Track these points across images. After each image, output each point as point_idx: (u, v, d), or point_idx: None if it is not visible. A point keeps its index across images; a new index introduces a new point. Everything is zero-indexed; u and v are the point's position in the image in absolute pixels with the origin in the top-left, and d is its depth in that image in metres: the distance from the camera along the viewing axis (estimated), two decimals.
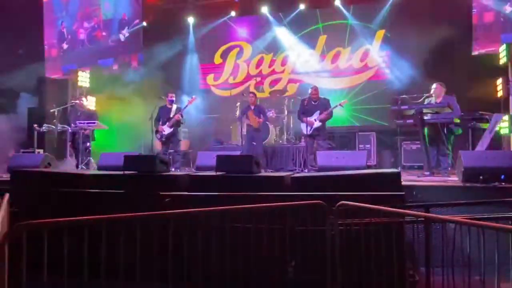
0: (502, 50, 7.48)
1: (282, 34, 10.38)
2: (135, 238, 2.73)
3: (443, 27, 8.67)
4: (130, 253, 2.76)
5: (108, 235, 2.65)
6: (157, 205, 4.05)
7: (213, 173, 4.66)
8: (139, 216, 2.75)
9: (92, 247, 2.63)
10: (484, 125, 6.47)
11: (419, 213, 2.98)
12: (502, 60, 7.46)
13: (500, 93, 7.54)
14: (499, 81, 7.56)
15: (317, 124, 7.19)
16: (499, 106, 7.47)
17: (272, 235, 3.37)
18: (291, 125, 9.22)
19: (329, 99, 7.54)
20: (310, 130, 7.24)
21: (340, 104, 7.29)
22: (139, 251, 2.77)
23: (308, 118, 7.24)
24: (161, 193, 4.09)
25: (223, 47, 10.94)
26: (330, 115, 7.28)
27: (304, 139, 7.62)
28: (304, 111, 7.34)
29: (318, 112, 7.21)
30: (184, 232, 2.95)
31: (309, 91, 7.56)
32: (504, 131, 6.95)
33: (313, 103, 7.38)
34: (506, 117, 6.91)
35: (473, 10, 8.81)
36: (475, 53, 8.65)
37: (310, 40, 10.18)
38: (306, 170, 7.08)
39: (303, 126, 7.34)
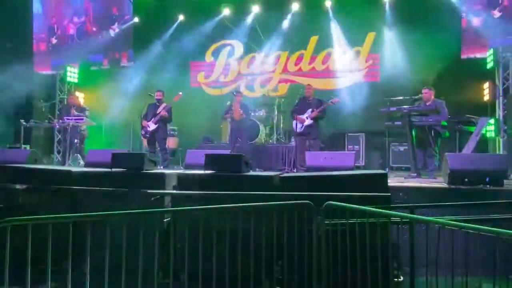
0: (490, 55, 7.59)
1: (274, 34, 10.38)
2: (121, 236, 2.73)
3: (433, 30, 8.79)
4: (116, 250, 2.75)
5: (94, 233, 2.64)
6: (145, 203, 4.05)
7: (201, 171, 4.64)
8: (125, 214, 2.74)
9: (77, 244, 2.62)
10: (471, 128, 6.57)
11: (404, 214, 3.02)
12: (489, 64, 7.57)
13: (486, 97, 7.66)
14: (486, 85, 7.68)
15: (308, 122, 7.19)
16: (486, 110, 7.59)
17: (259, 234, 3.38)
18: (281, 125, 9.23)
19: (322, 99, 7.53)
20: (301, 128, 7.25)
21: (332, 102, 7.31)
22: (125, 249, 2.76)
23: (299, 116, 7.25)
24: (148, 191, 4.07)
25: (215, 45, 10.89)
26: (322, 113, 7.26)
27: (294, 137, 7.60)
28: (297, 109, 7.35)
29: (310, 110, 7.22)
30: (171, 230, 2.95)
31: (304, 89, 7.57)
32: (490, 134, 7.07)
33: (307, 101, 7.40)
34: (492, 121, 7.02)
35: (462, 14, 8.91)
36: (463, 57, 8.76)
37: (301, 41, 10.20)
38: (295, 170, 7.10)
39: (294, 123, 7.35)
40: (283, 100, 9.32)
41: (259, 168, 7.66)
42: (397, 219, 3.13)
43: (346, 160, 5.21)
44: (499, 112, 7.20)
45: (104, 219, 2.66)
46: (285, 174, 4.50)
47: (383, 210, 2.91)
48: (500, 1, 8.73)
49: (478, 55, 8.53)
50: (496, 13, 8.76)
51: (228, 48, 10.85)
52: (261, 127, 8.79)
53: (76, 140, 7.18)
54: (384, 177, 3.97)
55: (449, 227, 2.52)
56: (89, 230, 2.63)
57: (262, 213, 3.47)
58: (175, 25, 10.72)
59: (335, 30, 9.84)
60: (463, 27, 8.87)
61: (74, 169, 5.11)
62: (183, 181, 4.55)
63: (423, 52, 8.89)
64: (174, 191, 4.21)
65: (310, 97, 7.45)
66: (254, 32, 10.47)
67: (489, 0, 8.80)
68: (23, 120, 7.67)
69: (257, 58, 10.59)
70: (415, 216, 2.82)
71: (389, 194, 3.72)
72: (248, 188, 4.19)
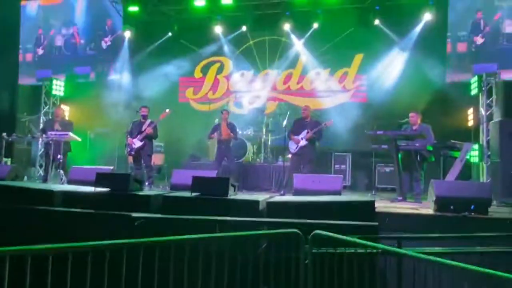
0: (474, 82, 7.75)
1: (263, 52, 10.47)
2: (103, 267, 2.64)
3: (419, 54, 9.00)
4: (98, 282, 2.66)
5: (74, 264, 2.54)
6: (129, 227, 3.95)
7: (187, 193, 4.58)
8: (107, 245, 2.65)
9: (58, 276, 2.51)
10: (456, 154, 6.66)
11: (392, 248, 3.01)
12: (474, 91, 7.72)
13: (471, 122, 7.79)
14: (470, 110, 7.82)
15: (303, 142, 7.19)
16: (470, 135, 7.72)
17: (246, 261, 3.32)
18: (269, 143, 9.21)
19: (320, 121, 7.54)
20: (296, 148, 7.26)
21: (325, 124, 7.32)
22: (107, 280, 2.67)
23: (295, 136, 7.27)
24: (133, 214, 3.98)
25: (204, 62, 10.91)
26: (318, 135, 7.25)
27: (290, 158, 7.59)
28: (294, 129, 7.37)
29: (306, 131, 7.23)
30: (156, 259, 2.87)
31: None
32: (474, 160, 7.17)
33: (303, 122, 7.42)
34: (476, 146, 7.13)
35: (447, 40, 9.14)
36: (448, 81, 8.95)
37: (290, 60, 10.29)
38: (282, 192, 7.05)
39: (290, 144, 7.36)
40: (271, 118, 9.33)
41: (246, 188, 7.58)
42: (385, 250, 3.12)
43: (334, 184, 5.21)
44: (483, 138, 7.32)
45: (88, 250, 2.57)
46: (272, 199, 4.47)
47: (371, 243, 2.89)
48: (482, 28, 8.99)
49: (463, 79, 8.72)
50: (479, 40, 9.01)
51: (218, 64, 10.87)
52: (249, 146, 8.76)
53: (59, 156, 7.00)
54: (372, 205, 3.97)
55: (436, 263, 2.51)
56: (69, 260, 2.53)
57: (249, 241, 3.42)
58: (164, 40, 10.69)
59: (323, 50, 9.96)
60: (447, 52, 9.09)
61: (56, 188, 4.97)
62: (169, 204, 4.48)
63: (410, 75, 9.08)
64: (159, 215, 4.13)
65: (307, 118, 7.46)
66: (244, 49, 10.55)
67: (473, 27, 9.05)
68: (5, 134, 7.47)
69: (246, 76, 10.64)
70: (403, 251, 2.81)
71: (377, 223, 3.71)
72: (235, 213, 4.15)
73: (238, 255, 3.21)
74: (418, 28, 9.18)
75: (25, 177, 7.66)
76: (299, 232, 3.20)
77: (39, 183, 7.26)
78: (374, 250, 3.11)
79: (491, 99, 7.29)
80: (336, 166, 8.92)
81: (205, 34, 10.55)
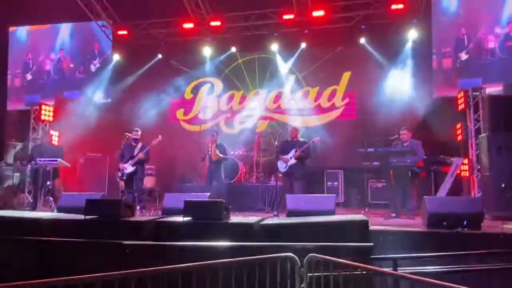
0: (460, 97, 7.88)
1: (253, 72, 10.56)
2: None
3: (407, 70, 9.15)
4: None
5: None
6: (121, 255, 3.88)
7: (180, 218, 4.52)
8: (99, 277, 2.58)
9: None
10: (446, 169, 6.72)
11: (388, 271, 2.98)
12: (461, 106, 7.84)
13: (459, 137, 7.89)
14: (459, 125, 7.93)
15: (292, 161, 7.25)
16: (459, 150, 7.80)
17: (241, 286, 3.27)
18: (261, 163, 9.20)
19: (307, 141, 7.59)
20: (285, 167, 7.28)
21: (313, 141, 7.40)
22: None
23: (284, 156, 7.30)
24: (124, 242, 3.91)
25: (194, 82, 10.96)
26: (306, 153, 7.31)
27: (281, 177, 7.59)
28: (282, 150, 7.41)
29: (294, 150, 7.27)
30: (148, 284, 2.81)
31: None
32: (464, 174, 7.23)
33: (291, 142, 7.52)
34: (465, 161, 7.20)
35: (433, 56, 9.33)
36: (436, 96, 9.09)
37: (280, 79, 10.39)
38: (275, 212, 7.00)
39: (279, 164, 7.37)
40: (262, 138, 9.34)
41: (239, 209, 7.50)
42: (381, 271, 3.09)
43: (327, 204, 5.19)
44: (472, 152, 7.40)
45: (78, 283, 2.50)
46: (266, 222, 4.43)
47: (366, 266, 2.87)
48: (466, 44, 9.20)
49: (450, 94, 8.87)
50: (463, 56, 9.21)
51: (208, 85, 10.93)
52: (241, 166, 8.73)
53: (48, 183, 6.88)
54: (366, 225, 3.96)
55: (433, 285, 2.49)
56: None
57: (244, 266, 3.36)
58: (154, 63, 10.73)
59: (312, 68, 10.09)
60: (434, 68, 9.26)
61: (44, 216, 4.87)
62: (161, 229, 4.42)
63: (397, 91, 9.22)
64: (151, 242, 4.06)
65: (295, 138, 7.57)
66: (234, 70, 10.64)
67: (457, 43, 9.26)
68: None
69: (236, 95, 10.69)
70: (399, 273, 2.79)
71: (372, 244, 3.68)
72: (229, 236, 4.10)
73: (232, 281, 3.15)
74: (404, 46, 9.38)
75: (14, 204, 7.51)
76: (294, 255, 3.17)
77: (28, 210, 7.11)
78: (370, 272, 3.09)
79: (478, 113, 7.41)
80: (329, 183, 8.95)
81: (195, 55, 10.63)
